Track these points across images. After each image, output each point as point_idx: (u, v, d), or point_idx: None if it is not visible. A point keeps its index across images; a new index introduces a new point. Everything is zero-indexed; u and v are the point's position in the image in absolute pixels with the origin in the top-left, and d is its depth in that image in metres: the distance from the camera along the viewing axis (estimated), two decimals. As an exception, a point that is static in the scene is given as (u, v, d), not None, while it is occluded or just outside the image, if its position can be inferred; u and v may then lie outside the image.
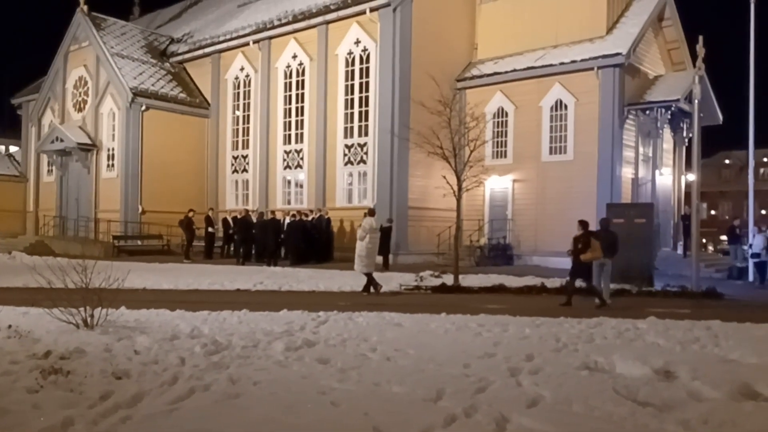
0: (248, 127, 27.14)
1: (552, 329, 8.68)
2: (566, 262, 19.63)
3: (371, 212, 14.22)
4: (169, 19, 37.86)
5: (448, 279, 15.09)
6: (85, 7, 28.28)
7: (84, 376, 5.58)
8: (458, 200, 15.59)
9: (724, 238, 26.10)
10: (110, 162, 27.12)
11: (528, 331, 8.46)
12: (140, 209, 26.25)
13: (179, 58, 29.72)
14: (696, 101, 16.11)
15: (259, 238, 21.21)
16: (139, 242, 25.49)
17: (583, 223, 12.74)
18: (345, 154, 23.60)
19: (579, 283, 12.47)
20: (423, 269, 17.18)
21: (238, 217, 22.46)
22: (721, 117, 23.85)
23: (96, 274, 8.00)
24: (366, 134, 22.96)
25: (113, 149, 26.99)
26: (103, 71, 27.40)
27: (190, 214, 22.86)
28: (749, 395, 5.42)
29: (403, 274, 16.63)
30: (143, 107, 26.36)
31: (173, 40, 31.63)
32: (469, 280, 15.29)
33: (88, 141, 27.38)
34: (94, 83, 27.78)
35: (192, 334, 7.83)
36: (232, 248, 23.01)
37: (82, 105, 28.46)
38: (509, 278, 15.79)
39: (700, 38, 17.15)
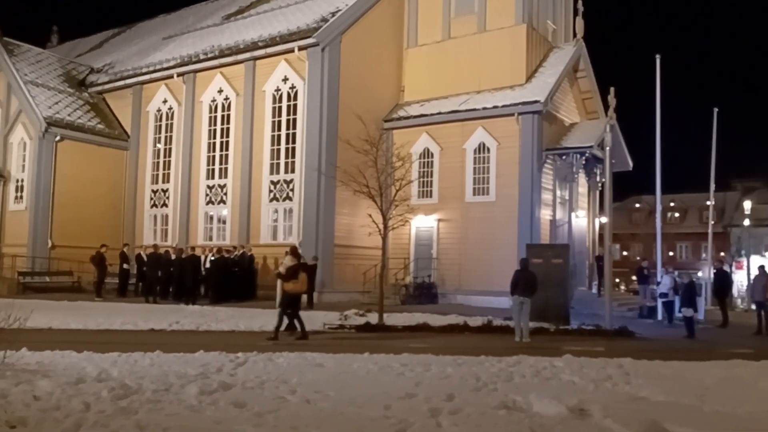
0: (169, 161, 26.43)
1: (473, 368, 8.75)
2: (489, 301, 20.28)
3: (293, 250, 14.05)
4: (90, 48, 36.81)
5: (373, 318, 15.01)
6: (-2, 32, 27.13)
7: (-28, 426, 5.14)
8: (384, 239, 15.67)
9: (635, 278, 27.40)
10: (19, 194, 25.67)
11: (450, 371, 8.49)
12: (50, 244, 24.85)
13: (99, 88, 28.79)
14: (607, 148, 17.01)
15: (177, 276, 20.46)
16: (48, 279, 24.06)
17: (294, 251, 12.50)
18: (271, 191, 23.33)
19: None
20: (348, 308, 17.02)
21: (148, 252, 21.63)
22: (631, 163, 25.29)
23: (-6, 313, 7.46)
24: (293, 171, 22.82)
25: (23, 180, 25.59)
26: (14, 99, 26.14)
27: (102, 249, 21.79)
28: (658, 432, 5.60)
29: (327, 312, 16.41)
30: (57, 137, 25.23)
31: (93, 70, 30.69)
32: (393, 319, 15.26)
33: (-6, 171, 25.90)
34: (5, 111, 26.44)
35: (99, 377, 7.39)
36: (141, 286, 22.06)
37: (-11, 133, 26.96)
38: (433, 317, 15.88)
39: (612, 89, 18.25)
